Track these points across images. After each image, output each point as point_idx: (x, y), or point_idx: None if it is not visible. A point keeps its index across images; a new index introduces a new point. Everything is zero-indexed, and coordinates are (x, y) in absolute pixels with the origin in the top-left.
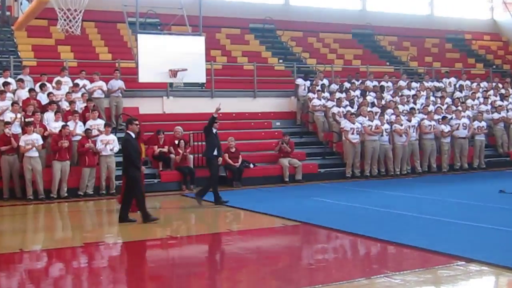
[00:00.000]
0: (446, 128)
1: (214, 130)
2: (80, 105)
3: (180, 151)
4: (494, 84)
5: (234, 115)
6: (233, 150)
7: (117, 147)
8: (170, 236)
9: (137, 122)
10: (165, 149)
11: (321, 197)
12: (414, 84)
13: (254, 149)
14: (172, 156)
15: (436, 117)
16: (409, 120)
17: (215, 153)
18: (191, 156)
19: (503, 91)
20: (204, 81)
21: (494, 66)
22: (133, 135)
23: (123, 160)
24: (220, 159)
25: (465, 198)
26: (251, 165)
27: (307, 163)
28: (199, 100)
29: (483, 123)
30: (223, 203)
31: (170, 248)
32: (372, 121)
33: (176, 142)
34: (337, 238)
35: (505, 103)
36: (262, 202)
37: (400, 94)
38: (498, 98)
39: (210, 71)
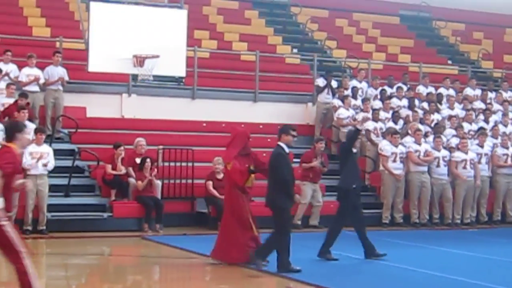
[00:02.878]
0: None
1: (355, 150)
2: (2, 100)
3: (145, 175)
4: None
5: (224, 125)
6: (220, 176)
7: (52, 163)
8: None
9: (295, 133)
10: (122, 171)
11: (345, 251)
12: (488, 94)
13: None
14: (132, 181)
15: None
16: (481, 146)
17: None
18: (159, 182)
19: None
20: (183, 74)
21: None
22: (287, 150)
23: (270, 183)
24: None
25: None
26: None
27: (327, 200)
28: (174, 101)
29: None
30: (378, 255)
31: None
32: (420, 144)
33: (138, 160)
34: None
35: None
36: None
37: (467, 107)
38: None
39: (193, 61)
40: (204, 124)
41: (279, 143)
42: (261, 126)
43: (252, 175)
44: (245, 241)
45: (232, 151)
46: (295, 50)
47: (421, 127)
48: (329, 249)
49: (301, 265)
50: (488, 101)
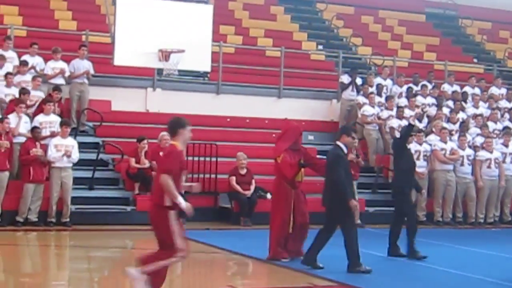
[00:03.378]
0: None
1: (409, 146)
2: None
3: None
4: None
5: (248, 121)
6: (243, 172)
7: (76, 155)
8: None
9: (354, 135)
10: (145, 164)
11: (367, 248)
12: None
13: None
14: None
15: None
16: (505, 145)
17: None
18: (183, 177)
19: None
20: (209, 69)
21: None
22: (345, 151)
23: (326, 184)
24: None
25: None
26: (268, 195)
27: None
28: (199, 96)
29: None
30: (419, 257)
31: None
32: (446, 142)
33: (162, 154)
34: None
35: None
36: None
37: (493, 106)
38: None
39: (218, 56)
40: (228, 120)
41: (338, 143)
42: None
43: (302, 170)
44: (278, 240)
45: (283, 145)
46: (320, 47)
47: (445, 125)
48: (396, 246)
49: (324, 262)
50: None
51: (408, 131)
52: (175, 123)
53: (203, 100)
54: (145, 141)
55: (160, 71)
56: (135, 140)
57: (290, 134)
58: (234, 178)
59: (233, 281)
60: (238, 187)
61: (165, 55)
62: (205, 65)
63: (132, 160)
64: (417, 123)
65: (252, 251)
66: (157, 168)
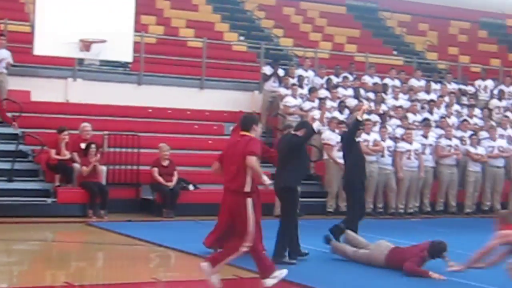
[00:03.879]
0: (475, 150)
1: (358, 140)
2: None
3: (90, 160)
4: None
5: (170, 112)
6: (165, 163)
7: None
8: (67, 284)
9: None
10: (66, 156)
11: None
12: (432, 85)
13: (196, 164)
14: (76, 166)
15: (460, 134)
16: (425, 136)
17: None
18: (104, 168)
19: None
20: (130, 59)
21: None
22: None
23: (283, 166)
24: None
25: None
26: (191, 187)
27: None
28: (120, 86)
29: None
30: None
31: None
32: (368, 134)
33: (83, 146)
34: None
35: None
36: None
37: (413, 98)
38: None
39: (139, 46)
40: (150, 110)
41: (295, 133)
42: (207, 113)
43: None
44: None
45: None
46: (242, 38)
47: (368, 116)
48: (340, 232)
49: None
50: (438, 93)
51: (355, 126)
52: (251, 120)
53: (125, 91)
54: (66, 132)
55: (81, 61)
56: (55, 131)
57: None
58: (156, 169)
59: (157, 273)
60: (161, 179)
61: (86, 45)
62: (126, 56)
63: (52, 152)
64: (338, 114)
65: (175, 243)
66: (230, 156)
